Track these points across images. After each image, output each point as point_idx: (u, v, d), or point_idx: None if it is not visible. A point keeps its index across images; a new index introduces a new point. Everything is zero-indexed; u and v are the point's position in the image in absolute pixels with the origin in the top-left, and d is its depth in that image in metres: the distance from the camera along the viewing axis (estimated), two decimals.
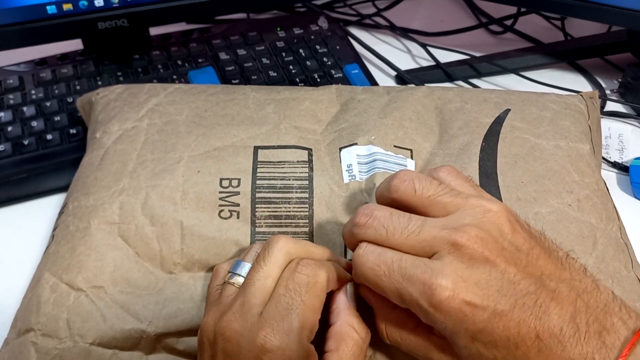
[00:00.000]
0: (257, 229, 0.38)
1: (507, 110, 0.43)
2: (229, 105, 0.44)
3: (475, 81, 0.66)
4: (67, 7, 0.57)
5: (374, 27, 0.76)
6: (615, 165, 0.55)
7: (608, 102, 0.63)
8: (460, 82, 0.66)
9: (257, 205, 0.38)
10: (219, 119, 0.43)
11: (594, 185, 0.40)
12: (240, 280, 0.33)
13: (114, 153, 0.42)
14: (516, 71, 0.65)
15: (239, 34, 0.66)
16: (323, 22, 0.68)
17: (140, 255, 0.38)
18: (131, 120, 0.43)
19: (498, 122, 0.42)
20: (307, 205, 0.38)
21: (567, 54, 0.69)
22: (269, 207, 0.38)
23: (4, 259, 0.47)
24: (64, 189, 0.52)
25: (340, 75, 0.62)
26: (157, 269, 0.38)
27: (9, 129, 0.54)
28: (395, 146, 0.41)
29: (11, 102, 0.57)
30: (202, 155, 0.40)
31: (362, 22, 0.77)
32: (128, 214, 0.38)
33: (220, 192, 0.38)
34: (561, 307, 0.28)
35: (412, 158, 0.41)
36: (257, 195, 0.38)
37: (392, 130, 0.42)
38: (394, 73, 0.67)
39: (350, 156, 0.40)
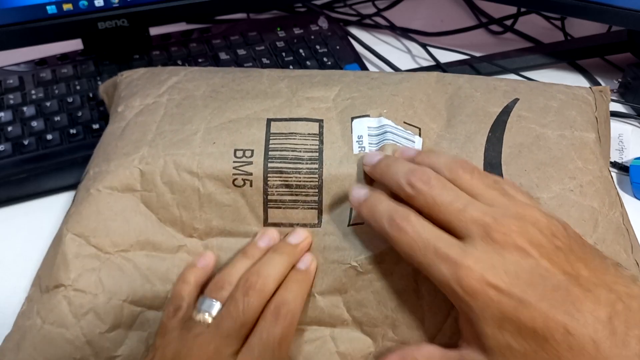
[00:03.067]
0: (270, 197, 0.39)
1: (516, 100, 0.44)
2: (244, 81, 0.46)
3: None
4: (67, 7, 0.57)
5: (374, 27, 0.76)
6: (615, 165, 0.55)
7: None
8: None
9: (269, 175, 0.39)
10: (234, 93, 0.44)
11: (598, 172, 0.40)
12: (208, 319, 0.33)
13: (135, 124, 0.44)
14: (516, 71, 0.66)
15: (239, 34, 0.66)
16: (323, 22, 0.68)
17: (163, 221, 0.40)
18: (152, 96, 0.45)
19: (506, 112, 0.43)
20: (316, 176, 0.39)
21: (567, 54, 0.69)
22: (280, 177, 0.39)
23: (4, 259, 0.47)
24: (64, 189, 0.52)
25: None
26: (178, 233, 0.40)
27: (9, 129, 0.54)
28: (405, 122, 0.42)
29: (11, 102, 0.57)
30: (218, 127, 0.42)
31: (362, 22, 0.77)
32: (149, 182, 0.40)
33: (234, 162, 0.40)
34: (596, 306, 0.27)
35: (420, 136, 0.41)
36: (269, 165, 0.39)
37: (402, 108, 0.42)
38: None
39: (361, 127, 0.41)
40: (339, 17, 0.77)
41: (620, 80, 0.64)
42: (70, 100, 0.57)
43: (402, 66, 0.67)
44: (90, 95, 0.58)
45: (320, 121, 0.42)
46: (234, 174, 0.39)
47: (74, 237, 0.39)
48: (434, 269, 0.30)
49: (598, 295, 0.27)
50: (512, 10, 0.74)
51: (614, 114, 0.62)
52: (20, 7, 0.55)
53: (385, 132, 0.40)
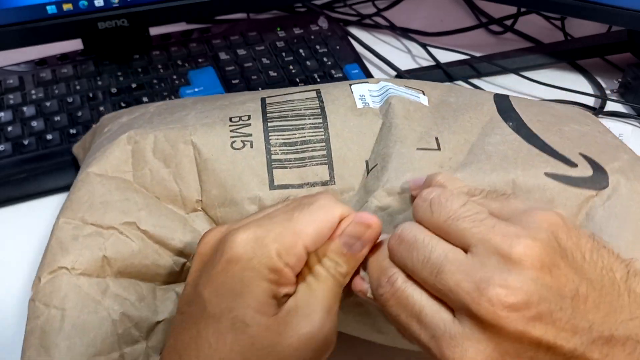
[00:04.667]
0: (273, 157, 0.36)
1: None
2: (229, 95, 0.45)
3: (475, 81, 0.66)
4: (67, 7, 0.57)
5: (374, 27, 0.76)
6: None
7: (608, 102, 0.63)
8: (460, 82, 0.66)
9: (270, 134, 0.37)
10: (226, 95, 0.43)
11: (604, 128, 0.40)
12: None
13: (120, 125, 0.42)
14: (516, 71, 0.65)
15: (239, 34, 0.66)
16: (323, 22, 0.68)
17: (162, 199, 0.37)
18: (139, 111, 0.44)
19: (505, 97, 0.43)
20: (322, 130, 0.37)
21: (567, 54, 0.69)
22: (282, 135, 0.37)
23: (4, 259, 0.47)
24: (64, 189, 0.52)
25: (341, 75, 0.62)
26: (180, 210, 0.37)
27: (9, 129, 0.54)
28: (406, 86, 0.41)
29: (11, 102, 0.57)
30: (210, 109, 0.40)
31: (362, 22, 0.77)
32: (140, 160, 0.37)
33: (230, 126, 0.37)
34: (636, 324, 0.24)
35: (424, 95, 0.40)
36: (270, 124, 0.37)
37: (402, 83, 0.42)
38: (394, 73, 0.67)
39: (362, 89, 0.40)
40: (339, 17, 0.77)
41: (620, 80, 0.64)
42: (70, 100, 0.57)
43: (402, 66, 0.67)
44: (90, 95, 0.58)
45: (317, 89, 0.40)
46: (231, 137, 0.37)
47: (67, 221, 0.36)
48: (418, 339, 0.26)
49: (617, 340, 0.24)
50: (512, 10, 0.74)
51: (614, 114, 0.62)
52: (20, 7, 0.55)
53: (388, 89, 0.39)
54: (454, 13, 0.80)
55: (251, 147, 0.36)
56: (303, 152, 0.36)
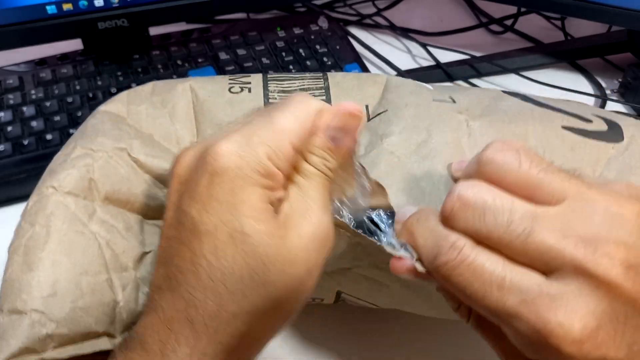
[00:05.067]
0: (271, 100, 0.36)
1: None
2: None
3: (475, 81, 0.66)
4: (67, 7, 0.57)
5: (374, 27, 0.76)
6: None
7: (608, 102, 0.63)
8: (460, 82, 0.66)
9: (269, 82, 0.36)
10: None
11: None
12: None
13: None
14: (516, 71, 0.65)
15: (239, 34, 0.66)
16: (323, 22, 0.68)
17: (157, 138, 0.36)
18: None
19: None
20: (321, 80, 0.36)
21: (567, 54, 0.69)
22: (281, 83, 0.36)
23: (3, 259, 0.47)
24: None
25: None
26: (174, 147, 0.36)
27: (9, 129, 0.54)
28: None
29: (11, 102, 0.57)
30: (212, 80, 0.39)
31: (362, 22, 0.77)
32: (135, 100, 0.37)
33: (229, 78, 0.38)
34: None
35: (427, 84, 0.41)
36: (269, 77, 0.37)
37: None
38: (394, 73, 0.67)
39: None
40: (339, 17, 0.77)
41: (620, 80, 0.64)
42: (70, 100, 0.57)
43: (402, 66, 0.67)
44: (90, 95, 0.58)
45: (324, 72, 0.39)
46: (229, 83, 0.37)
47: (60, 152, 0.35)
48: (506, 321, 0.23)
49: None
50: (512, 10, 0.74)
51: None
52: (20, 7, 0.55)
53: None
54: (454, 13, 0.80)
55: (249, 92, 0.36)
56: None
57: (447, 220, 0.25)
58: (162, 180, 0.35)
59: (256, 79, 0.37)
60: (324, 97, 0.36)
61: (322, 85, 0.36)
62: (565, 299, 0.21)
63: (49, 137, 0.54)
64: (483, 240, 0.24)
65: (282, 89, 0.36)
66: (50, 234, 0.31)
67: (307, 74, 0.37)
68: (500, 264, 0.23)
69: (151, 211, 0.34)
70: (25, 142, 0.53)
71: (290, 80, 0.37)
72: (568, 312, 0.21)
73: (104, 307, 0.31)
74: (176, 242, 0.26)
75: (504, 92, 0.40)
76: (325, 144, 0.28)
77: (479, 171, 0.25)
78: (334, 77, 0.37)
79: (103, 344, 0.30)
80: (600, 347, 0.21)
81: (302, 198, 0.27)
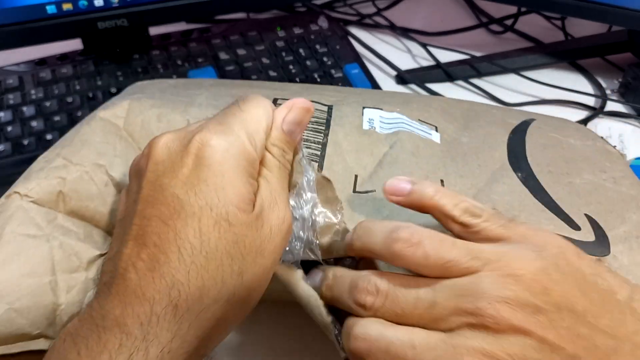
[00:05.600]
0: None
1: (532, 119, 0.44)
2: (254, 82, 0.46)
3: (475, 81, 0.66)
4: (67, 7, 0.57)
5: (374, 27, 0.76)
6: None
7: (608, 102, 0.63)
8: (460, 82, 0.66)
9: None
10: (243, 84, 0.44)
11: (628, 172, 0.39)
12: None
13: (135, 85, 0.43)
14: (516, 71, 0.65)
15: (239, 33, 0.66)
16: (323, 22, 0.68)
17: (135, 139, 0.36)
18: (159, 81, 0.44)
19: (525, 124, 0.42)
20: (322, 135, 0.37)
21: (567, 54, 0.69)
22: None
23: None
24: None
25: (340, 75, 0.62)
26: None
27: (9, 129, 0.54)
28: (420, 120, 0.40)
29: (11, 102, 0.57)
30: (222, 95, 0.40)
31: (362, 22, 0.77)
32: (135, 110, 0.37)
33: None
34: None
35: (437, 132, 0.40)
36: None
37: (417, 110, 0.41)
38: (394, 73, 0.67)
39: (373, 114, 0.40)
40: (339, 17, 0.77)
41: (620, 80, 0.64)
42: (70, 100, 0.57)
43: (402, 66, 0.67)
44: (90, 95, 0.58)
45: (330, 105, 0.40)
46: None
47: (45, 155, 0.36)
48: None
49: (621, 355, 0.24)
50: (512, 10, 0.74)
51: (614, 114, 0.62)
52: (20, 7, 0.55)
53: (400, 123, 0.39)
54: (454, 13, 0.80)
55: None
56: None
57: (363, 311, 0.27)
58: None
59: None
60: (318, 152, 0.36)
61: (321, 140, 0.36)
62: (465, 347, 0.24)
63: (49, 137, 0.54)
64: (399, 320, 0.27)
65: None
66: (3, 235, 0.32)
67: (311, 126, 0.37)
68: (407, 335, 0.26)
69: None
70: (25, 142, 0.53)
71: None
72: (476, 351, 0.24)
73: (42, 310, 0.31)
74: (157, 221, 0.26)
75: (512, 145, 0.39)
76: (283, 136, 0.30)
77: (392, 253, 0.27)
78: (335, 134, 0.37)
79: (36, 345, 0.31)
80: None
81: (269, 191, 0.29)
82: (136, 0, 0.59)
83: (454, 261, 0.26)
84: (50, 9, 0.57)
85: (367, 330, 0.27)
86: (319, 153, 0.36)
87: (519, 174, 0.37)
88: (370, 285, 0.27)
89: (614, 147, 0.44)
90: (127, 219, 0.28)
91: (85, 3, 0.58)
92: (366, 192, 0.34)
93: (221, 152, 0.27)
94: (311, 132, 0.37)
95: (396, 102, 0.42)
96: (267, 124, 0.30)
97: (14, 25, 0.56)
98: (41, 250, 0.32)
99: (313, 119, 0.38)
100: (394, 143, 0.37)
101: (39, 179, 0.34)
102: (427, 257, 0.26)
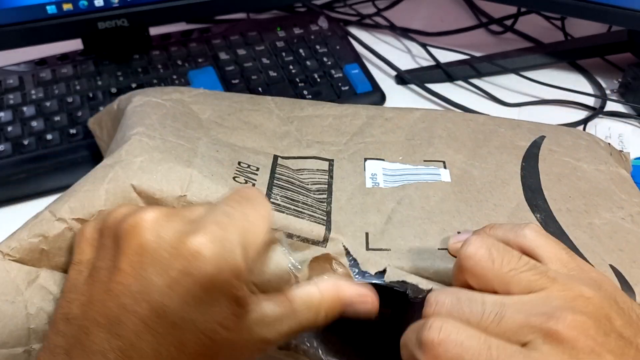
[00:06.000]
0: (272, 200, 0.35)
1: (542, 137, 0.43)
2: (252, 115, 0.43)
3: (475, 81, 0.66)
4: (67, 7, 0.57)
5: (374, 27, 0.76)
6: None
7: (608, 102, 0.63)
8: (460, 82, 0.66)
9: (273, 188, 0.36)
10: (241, 124, 0.42)
11: None
12: None
13: (133, 113, 0.41)
14: (516, 71, 0.65)
15: (239, 34, 0.66)
16: (323, 22, 0.68)
17: (137, 191, 0.34)
18: (155, 97, 0.43)
19: (535, 146, 0.42)
20: (324, 204, 0.36)
21: (567, 54, 0.69)
22: (286, 193, 0.36)
23: None
24: (64, 189, 0.51)
25: (340, 75, 0.62)
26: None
27: (9, 129, 0.54)
28: (424, 160, 0.40)
29: (11, 102, 0.57)
30: (222, 144, 0.39)
31: (362, 22, 0.77)
32: (136, 150, 0.36)
33: (237, 166, 0.37)
34: None
35: (445, 168, 0.39)
36: (276, 181, 0.37)
37: (420, 149, 0.41)
38: (394, 73, 0.67)
39: (375, 167, 0.39)
40: (339, 17, 0.77)
41: (620, 80, 0.64)
42: (70, 100, 0.57)
43: (402, 66, 0.67)
44: (90, 95, 0.58)
45: (331, 160, 0.39)
46: (236, 171, 0.36)
47: (40, 211, 0.35)
48: None
49: None
50: (512, 10, 0.74)
51: (614, 114, 0.62)
52: (20, 7, 0.55)
53: (404, 174, 0.39)
54: (454, 13, 0.80)
55: (252, 185, 0.36)
56: (303, 210, 0.35)
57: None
58: None
59: (262, 179, 0.37)
60: (324, 218, 0.35)
61: (325, 209, 0.36)
62: (545, 357, 0.24)
63: (49, 137, 0.54)
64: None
65: (285, 196, 0.36)
66: None
67: (312, 195, 0.37)
68: (483, 337, 0.25)
69: None
70: (25, 142, 0.53)
71: (294, 192, 0.36)
72: None
73: None
74: (135, 320, 0.25)
75: (525, 177, 0.38)
76: (333, 306, 0.30)
77: (460, 265, 0.28)
78: (339, 200, 0.37)
79: None
80: None
81: (264, 312, 0.28)
82: (136, 0, 0.59)
83: (519, 270, 0.27)
84: (51, 9, 0.57)
85: (444, 324, 0.25)
86: (325, 218, 0.35)
87: (538, 216, 0.36)
88: (432, 299, 0.27)
89: (620, 150, 0.43)
90: (97, 290, 0.26)
91: (86, 3, 0.58)
92: (380, 249, 0.34)
93: (212, 266, 0.26)
94: (315, 201, 0.36)
95: (398, 141, 0.41)
96: (265, 233, 0.29)
97: (14, 25, 0.56)
98: (18, 319, 0.31)
99: (315, 186, 0.37)
100: (401, 199, 0.37)
101: (20, 238, 0.33)
102: (494, 261, 0.27)
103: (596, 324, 0.25)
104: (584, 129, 0.59)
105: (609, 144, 0.45)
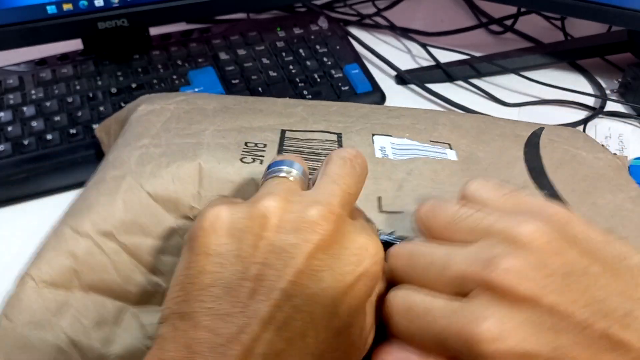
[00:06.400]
0: None
1: (541, 128, 0.44)
2: (257, 102, 0.44)
3: (475, 81, 0.66)
4: (67, 7, 0.57)
5: (374, 27, 0.76)
6: None
7: (608, 102, 0.63)
8: (460, 82, 0.66)
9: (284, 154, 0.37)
10: (247, 110, 0.43)
11: None
12: (297, 174, 0.30)
13: (137, 122, 0.41)
14: (516, 71, 0.66)
15: (239, 34, 0.66)
16: (323, 22, 0.68)
17: (154, 198, 0.35)
18: (159, 104, 0.43)
19: (535, 135, 0.43)
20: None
21: (567, 54, 0.69)
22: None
23: (3, 259, 0.47)
24: (64, 188, 0.52)
25: (340, 75, 0.62)
26: (170, 213, 0.35)
27: (9, 129, 0.54)
28: (431, 141, 0.40)
29: (11, 102, 0.57)
30: (228, 129, 0.39)
31: (362, 22, 0.77)
32: (144, 160, 0.36)
33: (244, 147, 0.37)
34: (638, 334, 0.23)
35: (451, 149, 0.40)
36: (284, 153, 0.37)
37: (426, 132, 0.41)
38: (394, 73, 0.67)
39: (384, 141, 0.39)
40: (339, 17, 0.77)
41: (620, 80, 0.64)
42: (70, 100, 0.57)
43: (402, 66, 0.67)
44: (90, 95, 0.58)
45: (339, 134, 0.40)
46: (243, 153, 0.36)
47: (56, 226, 0.35)
48: (443, 345, 0.25)
49: (636, 318, 0.24)
50: (512, 10, 0.74)
51: (614, 114, 0.62)
52: (20, 7, 0.55)
53: (413, 149, 0.39)
54: (454, 13, 0.80)
55: (261, 163, 0.36)
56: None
57: (392, 275, 0.28)
58: (145, 264, 0.34)
59: (270, 153, 0.37)
60: None
61: None
62: (482, 313, 0.24)
63: (49, 137, 0.54)
64: (418, 283, 0.27)
65: None
66: (11, 331, 0.31)
67: (322, 156, 0.37)
68: (428, 298, 0.26)
69: (135, 297, 0.34)
70: (25, 142, 0.53)
71: (306, 160, 0.36)
72: (490, 323, 0.24)
73: None
74: (302, 317, 0.25)
75: (529, 161, 0.39)
76: None
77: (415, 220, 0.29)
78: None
79: None
80: (521, 343, 0.23)
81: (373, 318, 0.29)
82: (136, 0, 0.59)
83: (460, 219, 0.27)
84: (51, 9, 0.57)
85: (395, 292, 0.27)
86: None
87: (545, 192, 0.37)
88: (392, 251, 0.28)
89: (614, 154, 0.44)
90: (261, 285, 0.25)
91: (86, 3, 0.58)
92: (393, 212, 0.34)
93: (372, 277, 0.27)
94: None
95: (403, 124, 0.42)
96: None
97: (14, 25, 0.56)
98: (48, 352, 0.31)
99: (324, 152, 0.38)
100: (411, 170, 0.37)
101: (49, 259, 0.33)
102: (435, 213, 0.28)
103: (537, 265, 0.24)
104: (584, 129, 0.59)
105: (603, 145, 0.46)
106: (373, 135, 0.40)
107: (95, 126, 0.55)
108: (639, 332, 0.23)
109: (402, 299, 0.27)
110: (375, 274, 0.27)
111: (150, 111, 0.42)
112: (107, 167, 0.38)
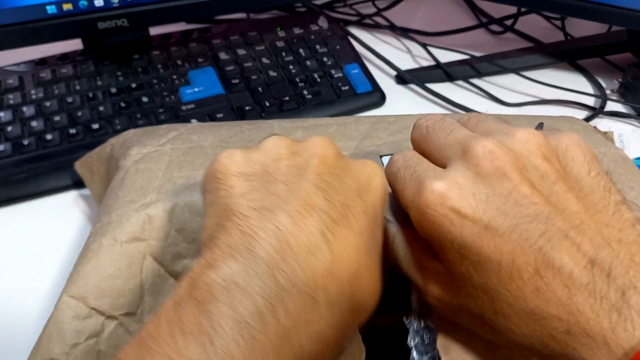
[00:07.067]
0: None
1: (541, 124, 0.43)
2: (254, 132, 0.43)
3: (475, 81, 0.66)
4: (67, 7, 0.57)
5: (374, 27, 0.76)
6: None
7: (608, 102, 0.63)
8: (460, 82, 0.66)
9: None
10: (246, 142, 0.41)
11: None
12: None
13: (136, 172, 0.39)
14: (516, 71, 0.66)
15: (239, 34, 0.66)
16: (323, 22, 0.68)
17: (172, 274, 0.34)
18: (152, 146, 0.41)
19: (540, 126, 0.42)
20: None
21: (567, 54, 0.69)
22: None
23: (3, 259, 0.47)
24: (64, 188, 0.52)
25: (340, 75, 0.62)
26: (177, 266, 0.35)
27: (9, 129, 0.54)
28: None
29: (11, 102, 0.57)
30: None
31: (362, 22, 0.77)
32: (159, 231, 0.35)
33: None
34: (577, 248, 0.23)
35: None
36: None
37: None
38: (394, 73, 0.67)
39: None
40: (339, 17, 0.77)
41: (620, 80, 0.64)
42: (70, 100, 0.57)
43: (402, 66, 0.67)
44: (90, 95, 0.58)
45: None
46: None
47: (68, 301, 0.33)
48: (404, 193, 0.28)
49: (582, 236, 0.24)
50: (512, 10, 0.74)
51: (614, 114, 0.62)
52: (20, 7, 0.55)
53: None
54: (454, 13, 0.80)
55: None
56: None
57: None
58: None
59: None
60: None
61: None
62: (445, 172, 0.27)
63: (49, 137, 0.54)
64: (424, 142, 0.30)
65: None
66: None
67: None
68: (414, 162, 0.29)
69: None
70: (25, 142, 0.53)
71: None
72: (440, 178, 0.26)
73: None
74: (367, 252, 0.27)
75: None
76: None
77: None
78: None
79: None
80: (458, 201, 0.25)
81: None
82: (136, 0, 0.59)
83: (446, 133, 0.29)
84: (51, 9, 0.57)
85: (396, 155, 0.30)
86: None
87: None
88: (391, 159, 0.31)
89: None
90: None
91: (86, 3, 0.58)
92: None
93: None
94: None
95: (407, 138, 0.41)
96: None
97: (14, 25, 0.56)
98: None
99: None
100: None
101: (73, 341, 0.32)
102: (427, 128, 0.30)
103: (517, 155, 0.26)
104: None
105: (605, 132, 0.46)
106: (382, 156, 0.40)
107: (95, 126, 0.55)
108: (579, 245, 0.24)
109: (401, 157, 0.30)
110: (382, 181, 0.29)
111: (146, 156, 0.41)
112: (112, 224, 0.36)
